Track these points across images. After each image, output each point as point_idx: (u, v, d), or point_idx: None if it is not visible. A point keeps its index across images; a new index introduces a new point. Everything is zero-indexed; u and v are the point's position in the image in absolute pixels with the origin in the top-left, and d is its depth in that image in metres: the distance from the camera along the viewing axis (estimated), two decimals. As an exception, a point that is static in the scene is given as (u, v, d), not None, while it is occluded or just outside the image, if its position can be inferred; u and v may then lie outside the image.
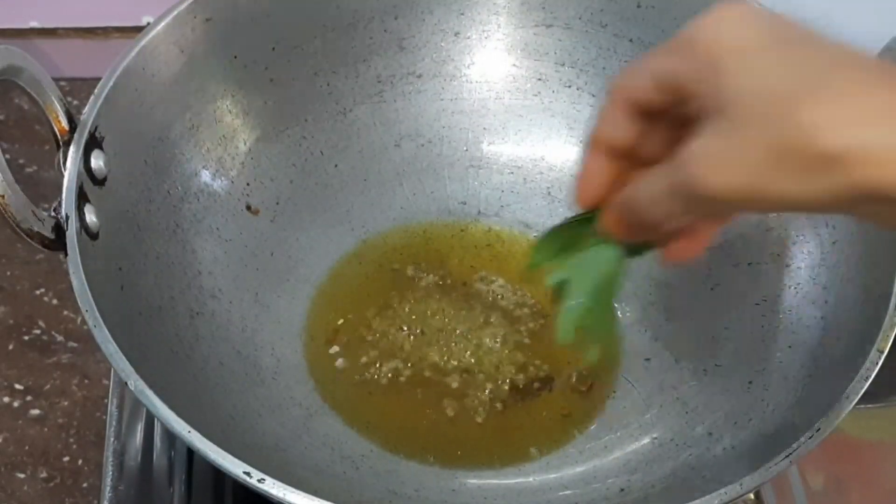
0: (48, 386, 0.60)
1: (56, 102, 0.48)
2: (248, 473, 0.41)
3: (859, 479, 0.60)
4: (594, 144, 0.40)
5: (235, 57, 0.58)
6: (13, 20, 0.72)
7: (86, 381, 0.61)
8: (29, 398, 0.60)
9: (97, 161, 0.49)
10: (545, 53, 0.63)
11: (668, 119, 0.38)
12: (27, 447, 0.58)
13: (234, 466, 0.41)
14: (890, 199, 0.31)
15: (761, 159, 0.32)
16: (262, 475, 0.41)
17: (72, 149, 0.48)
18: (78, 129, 0.49)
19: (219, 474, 0.42)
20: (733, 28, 0.34)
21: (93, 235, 0.48)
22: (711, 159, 0.33)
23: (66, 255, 0.46)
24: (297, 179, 0.61)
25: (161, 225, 0.54)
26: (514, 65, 0.63)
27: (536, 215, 0.63)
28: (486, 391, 0.56)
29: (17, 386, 0.60)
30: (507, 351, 0.58)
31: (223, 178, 0.58)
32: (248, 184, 0.59)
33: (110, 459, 0.55)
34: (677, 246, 0.41)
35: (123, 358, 0.43)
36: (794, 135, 0.31)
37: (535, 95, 0.64)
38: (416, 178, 0.63)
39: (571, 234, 0.43)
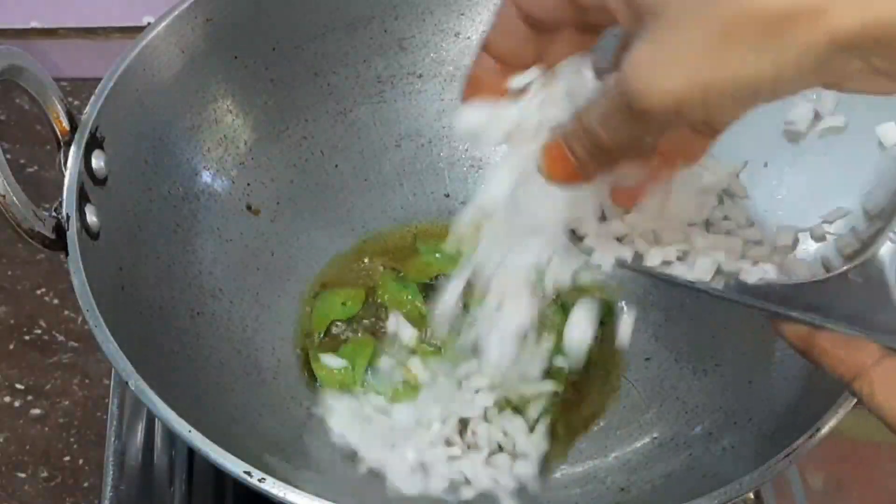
0: (49, 386, 0.60)
1: (57, 103, 0.48)
2: (248, 473, 0.41)
3: (859, 480, 0.60)
4: (486, 49, 0.38)
5: (236, 57, 0.58)
6: (14, 20, 0.72)
7: (86, 381, 0.61)
8: (30, 398, 0.60)
9: (98, 161, 0.50)
10: (545, 53, 0.63)
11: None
12: (28, 447, 0.58)
13: (235, 466, 0.41)
14: (867, 46, 0.28)
15: (704, 45, 0.29)
16: (262, 475, 0.41)
17: (72, 149, 0.49)
18: (79, 130, 0.49)
19: (219, 474, 0.42)
20: None
21: (93, 235, 0.48)
22: (646, 67, 0.30)
23: (66, 254, 0.46)
24: (298, 179, 0.61)
25: (161, 225, 0.54)
26: (514, 65, 0.63)
27: (536, 215, 0.63)
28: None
29: (18, 386, 0.60)
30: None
31: (223, 178, 0.58)
32: (248, 184, 0.59)
33: (111, 459, 0.55)
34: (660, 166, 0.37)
35: (124, 358, 0.43)
36: (737, 5, 0.28)
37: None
38: (417, 178, 0.63)
39: None
